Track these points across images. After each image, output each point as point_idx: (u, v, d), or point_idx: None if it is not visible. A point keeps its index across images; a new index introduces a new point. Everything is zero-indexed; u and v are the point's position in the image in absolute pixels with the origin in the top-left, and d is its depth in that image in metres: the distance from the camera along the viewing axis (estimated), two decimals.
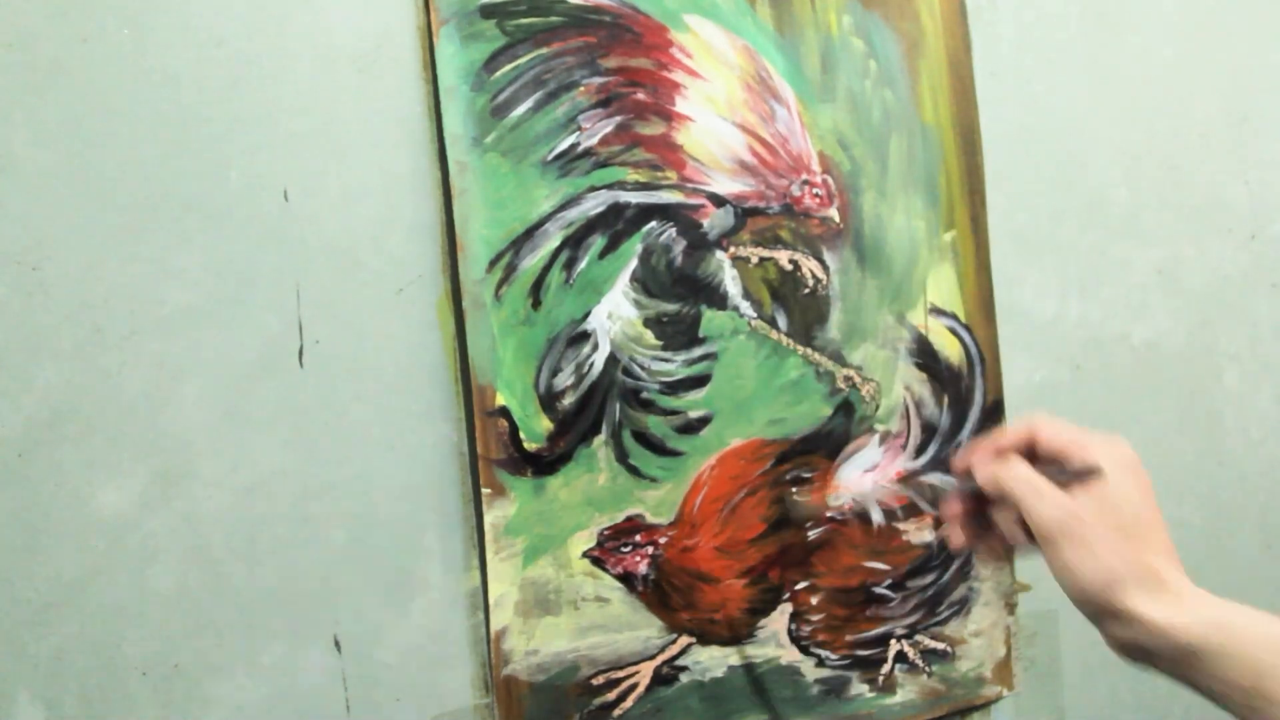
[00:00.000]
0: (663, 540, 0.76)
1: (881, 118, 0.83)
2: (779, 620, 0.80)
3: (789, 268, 0.80)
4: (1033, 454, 0.60)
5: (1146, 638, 0.54)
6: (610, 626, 0.74)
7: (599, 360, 0.74)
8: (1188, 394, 0.98)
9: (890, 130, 0.83)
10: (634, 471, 0.75)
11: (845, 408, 0.82)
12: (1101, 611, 0.55)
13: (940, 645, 0.85)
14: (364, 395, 0.69)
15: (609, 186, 0.74)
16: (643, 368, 0.75)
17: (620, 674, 0.75)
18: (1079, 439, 0.59)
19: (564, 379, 0.73)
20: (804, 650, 0.81)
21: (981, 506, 0.62)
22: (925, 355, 0.84)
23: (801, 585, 0.80)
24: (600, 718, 0.74)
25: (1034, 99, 0.90)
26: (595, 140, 0.73)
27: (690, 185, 0.76)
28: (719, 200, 0.77)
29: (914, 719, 0.85)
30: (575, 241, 0.73)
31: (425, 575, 0.71)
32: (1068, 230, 0.92)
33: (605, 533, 0.74)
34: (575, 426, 0.73)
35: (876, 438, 0.83)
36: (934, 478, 0.71)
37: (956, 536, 0.64)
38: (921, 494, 0.75)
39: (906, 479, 0.76)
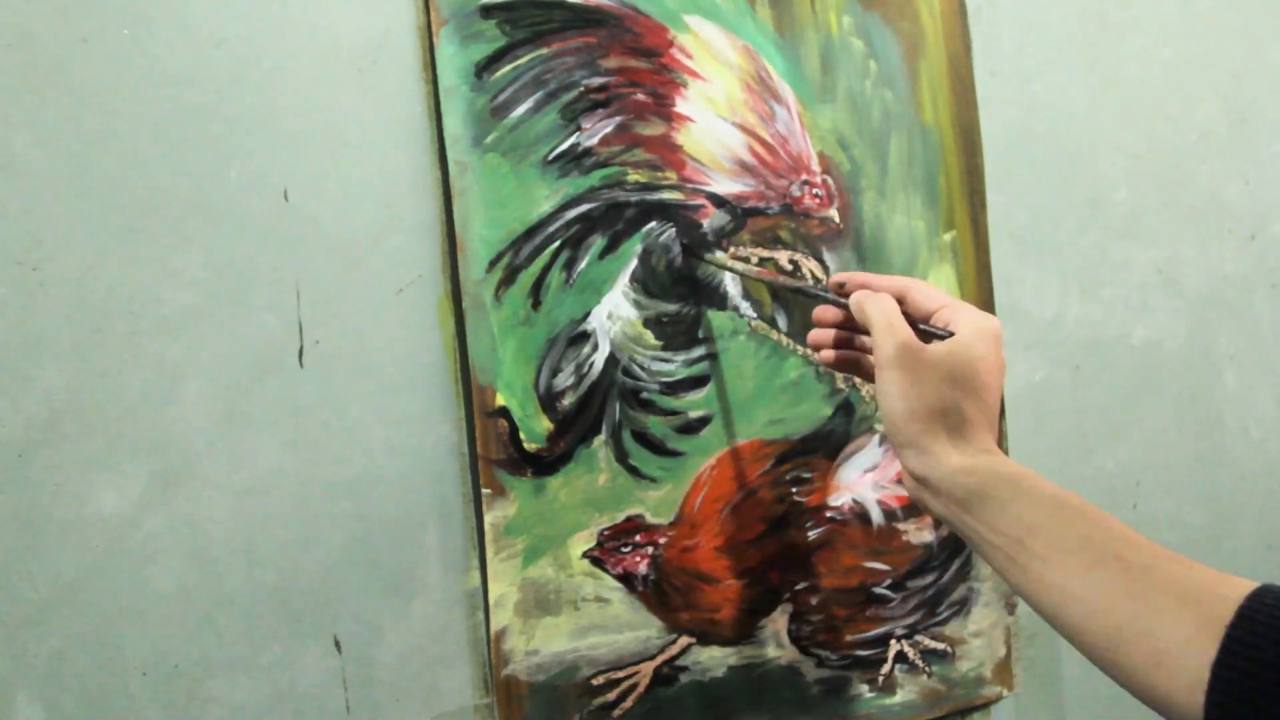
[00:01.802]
0: (663, 540, 0.76)
1: (881, 118, 0.83)
2: (779, 620, 0.80)
3: (789, 268, 0.80)
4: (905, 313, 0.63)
5: (936, 474, 0.58)
6: (610, 627, 0.74)
7: (599, 360, 0.74)
8: (1188, 394, 0.98)
9: (890, 130, 0.83)
10: (634, 472, 0.75)
11: (845, 408, 0.82)
12: (907, 441, 0.59)
13: (940, 645, 0.86)
14: (364, 395, 0.69)
15: (609, 187, 0.74)
16: (643, 368, 0.75)
17: (620, 674, 0.75)
18: (946, 302, 0.63)
19: (564, 379, 0.73)
20: (804, 650, 0.81)
21: (850, 329, 0.68)
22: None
23: (801, 585, 0.80)
24: (600, 718, 0.74)
25: (1034, 99, 0.91)
26: (595, 140, 0.73)
27: (690, 185, 0.76)
28: (719, 200, 0.77)
29: (914, 719, 0.85)
30: (575, 241, 0.73)
31: (425, 575, 0.71)
32: (1068, 230, 0.92)
33: (605, 533, 0.74)
34: (575, 427, 0.73)
35: (876, 438, 0.83)
36: (807, 284, 0.71)
37: (825, 353, 0.70)
38: (791, 288, 0.74)
39: (773, 280, 0.75)
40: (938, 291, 0.64)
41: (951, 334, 0.61)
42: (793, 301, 0.80)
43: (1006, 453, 0.87)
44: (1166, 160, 0.97)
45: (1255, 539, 1.01)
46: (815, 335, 0.71)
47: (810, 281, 0.78)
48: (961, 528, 0.58)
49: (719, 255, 0.77)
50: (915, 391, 0.58)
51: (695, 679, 0.77)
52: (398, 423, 0.70)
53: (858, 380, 0.82)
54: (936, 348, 0.59)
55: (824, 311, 0.70)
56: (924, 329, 0.62)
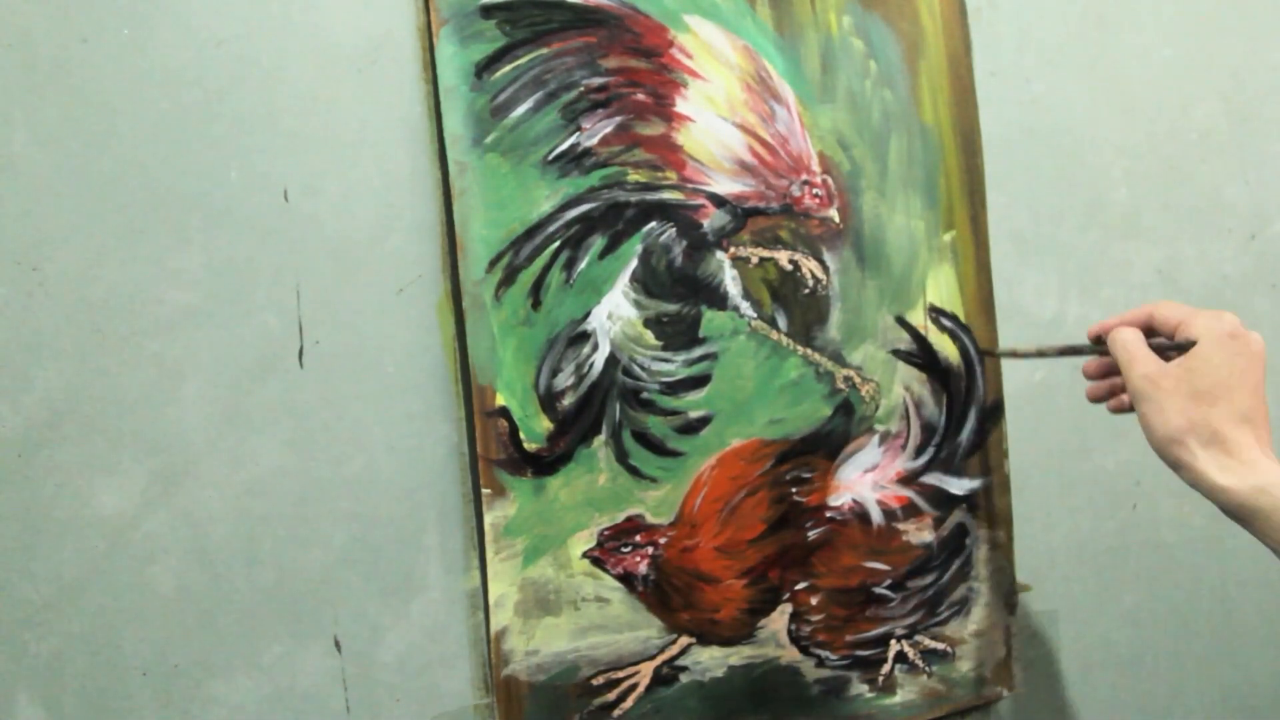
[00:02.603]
0: (663, 540, 0.76)
1: (881, 118, 0.83)
2: (779, 620, 0.80)
3: (789, 268, 0.80)
4: (1152, 331, 0.69)
5: (1204, 489, 0.62)
6: (610, 627, 0.74)
7: (599, 360, 0.74)
8: None
9: (890, 131, 0.83)
10: (634, 472, 0.75)
11: (845, 408, 0.82)
12: (1171, 463, 0.63)
13: (940, 645, 0.86)
14: (364, 395, 0.69)
15: (609, 187, 0.74)
16: (643, 368, 0.75)
17: (620, 674, 0.75)
18: (1185, 315, 0.67)
19: (564, 379, 0.73)
20: (804, 650, 0.81)
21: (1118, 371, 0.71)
22: (925, 355, 0.84)
23: (801, 585, 0.80)
24: (600, 718, 0.74)
25: (1034, 99, 0.91)
26: (595, 140, 0.73)
27: (690, 185, 0.76)
28: (719, 200, 0.77)
29: (914, 719, 0.85)
30: (575, 241, 0.73)
31: (425, 575, 0.71)
32: (1068, 230, 0.92)
33: (605, 533, 0.74)
34: (575, 427, 0.73)
35: (876, 438, 0.83)
36: (1075, 345, 0.77)
37: (1112, 401, 0.76)
38: (1068, 352, 0.79)
39: (1045, 351, 0.79)
40: (1178, 307, 0.68)
41: (1191, 343, 0.65)
42: (793, 301, 0.80)
43: (1005, 455, 0.87)
44: (1166, 160, 0.97)
45: (1255, 539, 1.01)
46: (1090, 390, 0.77)
47: (1013, 348, 0.83)
48: (1253, 534, 0.61)
49: (1004, 350, 0.85)
50: (1162, 419, 0.63)
51: (695, 679, 0.77)
52: (398, 423, 0.70)
53: (858, 380, 0.82)
54: (1174, 371, 0.64)
55: (1090, 365, 0.76)
56: (1163, 345, 0.67)
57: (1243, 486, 0.60)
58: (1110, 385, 0.76)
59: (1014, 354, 0.82)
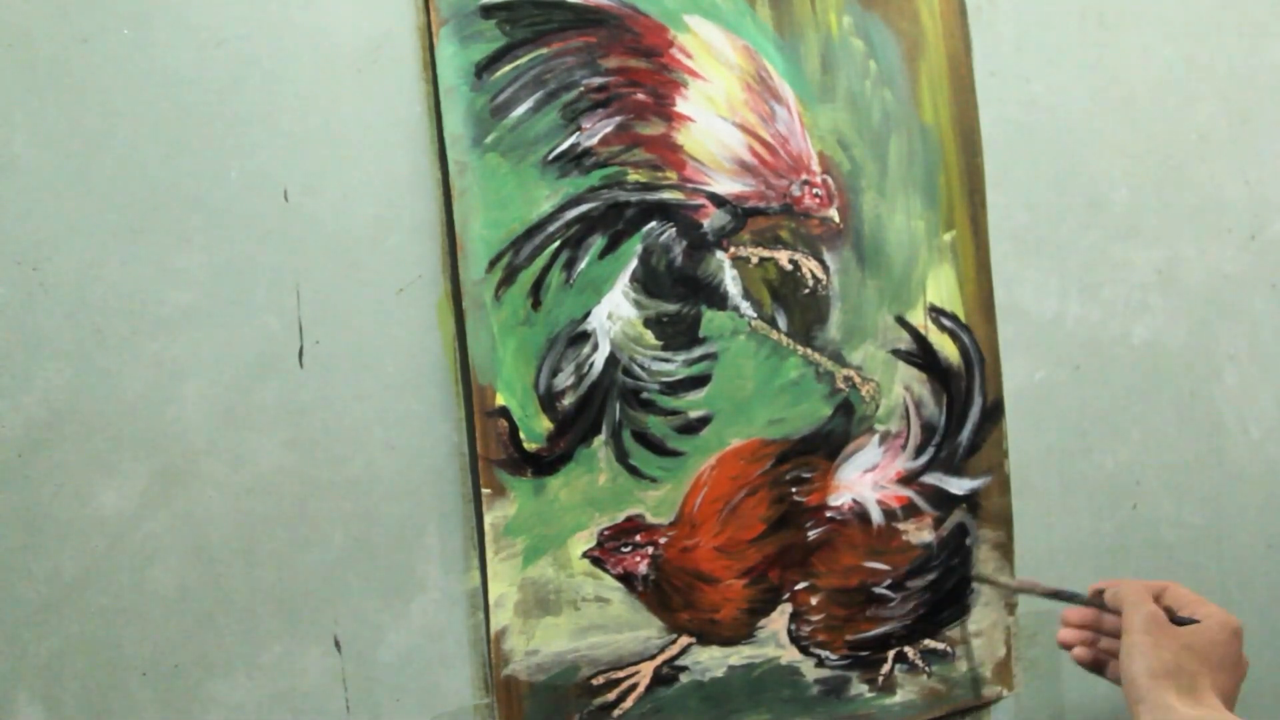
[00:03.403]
0: (663, 540, 0.76)
1: (881, 118, 0.83)
2: (779, 620, 0.80)
3: (789, 268, 0.80)
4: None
5: None
6: (610, 627, 0.74)
7: (599, 360, 0.74)
8: (1188, 394, 0.98)
9: (890, 130, 0.83)
10: (634, 471, 0.75)
11: (845, 408, 0.82)
12: (1141, 696, 0.65)
13: (940, 645, 0.85)
14: (364, 395, 0.69)
15: (609, 186, 0.74)
16: (643, 368, 0.75)
17: (620, 674, 0.75)
18: (1201, 603, 0.70)
19: (564, 379, 0.73)
20: (804, 650, 0.81)
21: (1096, 630, 0.75)
22: (925, 355, 0.84)
23: (801, 585, 0.80)
24: (600, 718, 0.74)
25: (1034, 99, 0.91)
26: (595, 140, 0.73)
27: (690, 185, 0.76)
28: (719, 200, 0.77)
29: (914, 719, 0.85)
30: (575, 241, 0.73)
31: (425, 575, 0.71)
32: (1068, 230, 0.92)
33: (605, 533, 0.74)
34: (575, 426, 0.73)
35: (876, 438, 0.83)
36: (1070, 592, 0.79)
37: (1078, 650, 0.76)
38: (1053, 595, 0.81)
39: (1034, 588, 0.82)
40: (1191, 594, 0.71)
41: (1197, 620, 0.68)
42: (793, 301, 0.80)
43: (1005, 455, 0.87)
44: (1166, 160, 0.97)
45: (1255, 539, 1.01)
46: (1065, 635, 0.77)
47: (1035, 583, 0.84)
48: None
49: (988, 575, 0.86)
50: (1155, 654, 0.65)
51: (695, 679, 0.77)
52: (398, 423, 0.70)
53: (858, 380, 0.82)
54: (1174, 629, 0.67)
55: (1071, 613, 0.77)
56: (1174, 616, 0.69)
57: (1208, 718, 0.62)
58: (1084, 637, 0.76)
59: (996, 583, 0.85)
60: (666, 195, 0.76)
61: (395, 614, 0.70)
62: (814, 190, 0.80)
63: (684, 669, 0.77)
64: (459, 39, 0.69)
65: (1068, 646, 0.77)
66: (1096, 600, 0.74)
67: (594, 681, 0.74)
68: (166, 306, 0.64)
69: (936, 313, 0.85)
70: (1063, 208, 0.92)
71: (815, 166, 0.80)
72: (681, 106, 0.76)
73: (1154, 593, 0.71)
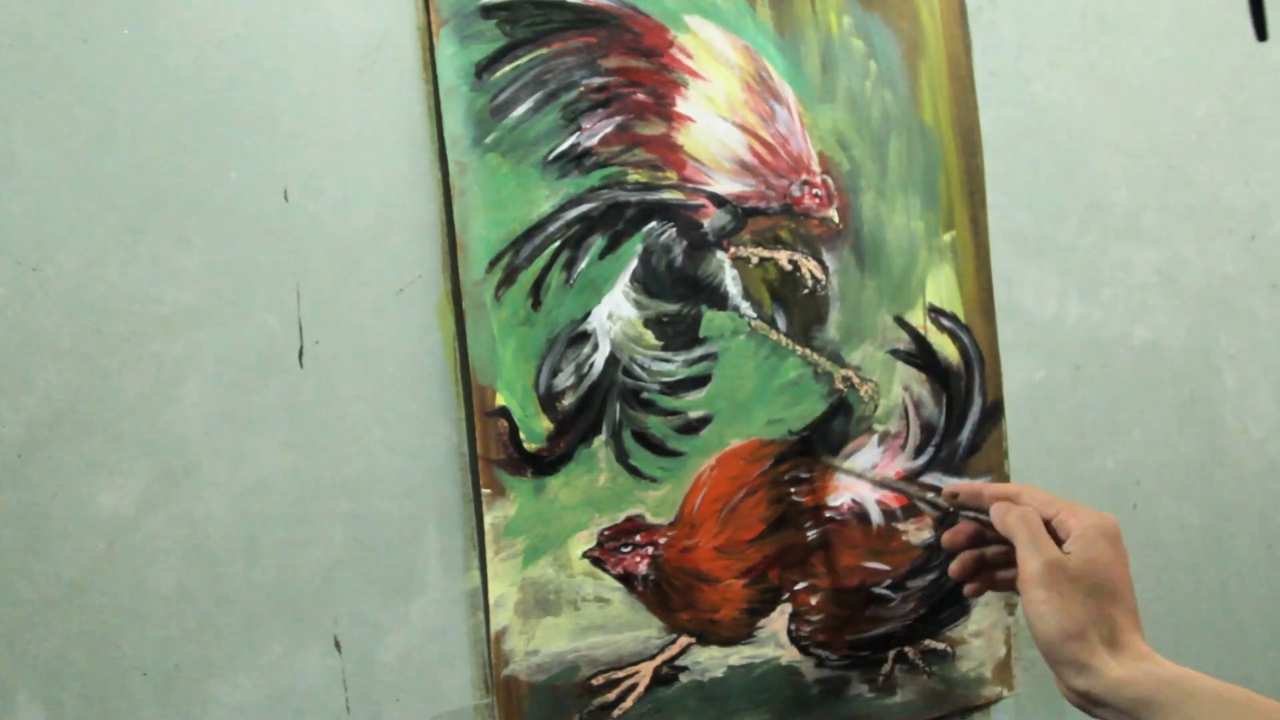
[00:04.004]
0: (663, 540, 0.76)
1: (881, 118, 0.83)
2: (779, 620, 0.80)
3: (789, 268, 0.80)
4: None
5: (1099, 688, 0.60)
6: (610, 627, 0.74)
7: (599, 360, 0.74)
8: (1188, 394, 0.98)
9: (890, 131, 0.83)
10: (634, 472, 0.75)
11: (845, 408, 0.82)
12: (1064, 660, 0.61)
13: (940, 645, 0.86)
14: (364, 395, 0.69)
15: (609, 186, 0.74)
16: (643, 368, 0.75)
17: (620, 674, 0.75)
18: (1063, 506, 0.65)
19: (564, 379, 0.73)
20: (804, 650, 0.81)
21: (979, 542, 0.71)
22: (924, 355, 0.84)
23: (801, 585, 0.80)
24: (600, 718, 0.74)
25: (1034, 99, 0.91)
26: (595, 140, 0.73)
27: (690, 185, 0.76)
28: (719, 200, 0.77)
29: (914, 719, 0.85)
30: (575, 241, 0.73)
31: (425, 575, 0.71)
32: (1068, 230, 0.92)
33: (605, 533, 0.74)
34: (575, 427, 0.73)
35: (876, 438, 0.83)
36: (931, 485, 0.74)
37: (968, 587, 0.72)
38: (917, 496, 0.77)
39: (907, 480, 0.78)
40: (1047, 495, 0.67)
41: (1081, 534, 0.63)
42: (792, 301, 0.80)
43: (1005, 455, 0.87)
44: (1166, 160, 0.97)
45: (1255, 539, 1.01)
46: (957, 567, 0.72)
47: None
48: None
49: (844, 464, 0.82)
50: (1066, 611, 0.61)
51: (695, 679, 0.77)
52: (398, 423, 0.70)
53: (857, 380, 0.82)
54: (1076, 561, 0.62)
55: (956, 535, 0.72)
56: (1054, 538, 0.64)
57: (1147, 680, 0.59)
58: (976, 558, 0.71)
59: (852, 472, 0.81)
60: (666, 195, 0.76)
61: (395, 614, 0.70)
62: (814, 190, 0.80)
63: (684, 669, 0.77)
64: (459, 39, 0.69)
65: (960, 577, 0.72)
66: (980, 518, 0.69)
67: (594, 681, 0.74)
68: (166, 306, 0.64)
69: (936, 313, 0.85)
70: (1063, 208, 0.92)
71: (815, 166, 0.80)
72: (681, 106, 0.76)
73: (1008, 500, 0.67)
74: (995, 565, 0.71)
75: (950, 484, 0.70)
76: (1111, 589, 0.62)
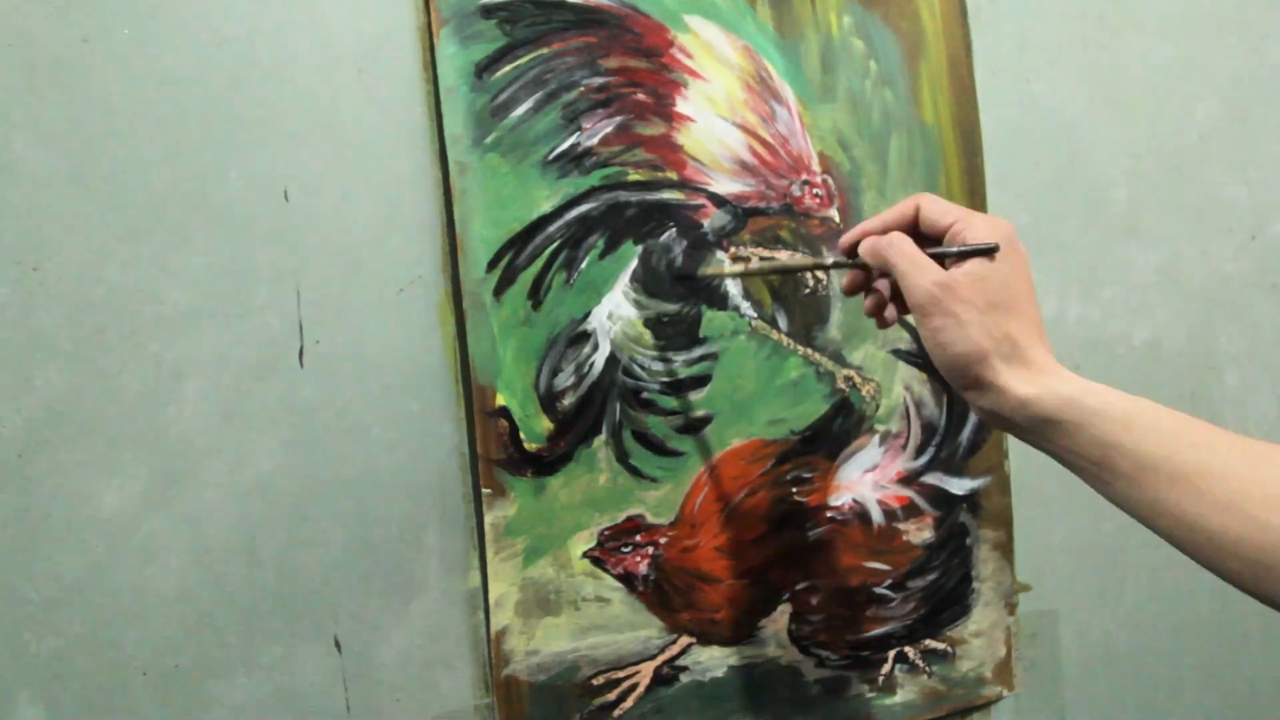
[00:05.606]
0: (663, 540, 0.76)
1: (881, 118, 0.83)
2: (779, 620, 0.80)
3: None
4: (918, 231, 0.61)
5: (1006, 408, 0.56)
6: (610, 627, 0.74)
7: (599, 360, 0.74)
8: (1188, 394, 0.98)
9: (890, 130, 0.83)
10: (634, 472, 0.75)
11: (845, 407, 0.82)
12: (967, 384, 0.57)
13: (940, 645, 0.86)
14: (364, 395, 0.69)
15: (609, 187, 0.74)
16: (643, 368, 0.75)
17: (620, 674, 0.75)
18: (961, 215, 0.60)
19: (564, 379, 0.73)
20: (804, 650, 0.81)
21: (869, 280, 0.65)
22: (925, 355, 0.84)
23: (802, 585, 0.80)
24: (600, 718, 0.74)
25: (1034, 99, 0.91)
26: (595, 140, 0.73)
27: (690, 185, 0.76)
28: (719, 200, 0.77)
29: (914, 719, 0.85)
30: (575, 241, 0.73)
31: (425, 575, 0.71)
32: (1068, 230, 0.92)
33: (605, 533, 0.74)
34: (575, 426, 0.73)
35: (877, 438, 0.83)
36: (783, 254, 0.70)
37: (845, 284, 0.66)
38: (808, 266, 0.73)
39: (747, 259, 0.73)
40: (947, 204, 0.61)
41: (992, 246, 0.57)
42: (793, 301, 0.80)
43: (1005, 455, 0.87)
44: (1166, 160, 0.97)
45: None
46: (868, 305, 0.66)
47: (798, 257, 0.77)
48: (1048, 451, 0.57)
49: (715, 265, 0.77)
50: (960, 333, 0.56)
51: (695, 679, 0.77)
52: (398, 423, 0.70)
53: (858, 380, 0.82)
54: (967, 277, 0.57)
55: (851, 282, 0.66)
56: (962, 250, 0.58)
57: (1050, 399, 0.55)
58: (876, 300, 0.65)
59: (726, 274, 0.72)
60: (666, 195, 0.76)
61: (395, 614, 0.70)
62: (814, 190, 0.80)
63: (684, 669, 0.77)
64: (459, 39, 0.69)
65: (872, 314, 0.66)
66: (857, 260, 0.63)
67: (594, 681, 0.74)
68: (166, 306, 0.64)
69: None
70: (1063, 208, 0.92)
71: (815, 166, 0.80)
72: (681, 106, 0.76)
73: (906, 223, 0.61)
74: (888, 300, 0.65)
75: (844, 238, 0.64)
76: (1010, 302, 0.57)
